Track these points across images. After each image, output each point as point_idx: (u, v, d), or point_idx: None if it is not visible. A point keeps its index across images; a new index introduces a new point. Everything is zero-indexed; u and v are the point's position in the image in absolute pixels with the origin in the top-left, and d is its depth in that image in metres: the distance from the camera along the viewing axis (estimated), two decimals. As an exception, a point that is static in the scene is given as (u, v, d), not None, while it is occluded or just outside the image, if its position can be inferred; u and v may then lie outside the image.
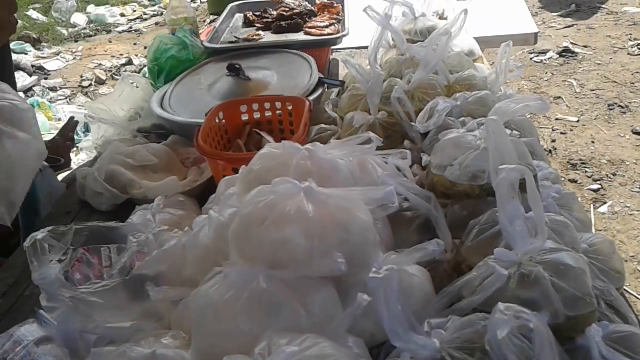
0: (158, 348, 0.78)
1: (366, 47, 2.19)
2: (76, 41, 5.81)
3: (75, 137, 3.69)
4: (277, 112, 1.46)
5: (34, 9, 6.40)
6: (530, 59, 4.35)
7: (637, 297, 2.37)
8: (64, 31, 5.98)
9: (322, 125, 1.49)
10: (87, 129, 3.66)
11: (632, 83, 3.91)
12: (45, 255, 0.92)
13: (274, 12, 2.06)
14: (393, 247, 1.02)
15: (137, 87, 1.68)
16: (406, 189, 1.02)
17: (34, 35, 5.69)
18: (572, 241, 0.92)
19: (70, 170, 1.58)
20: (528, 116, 1.61)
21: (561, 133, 3.49)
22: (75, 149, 3.61)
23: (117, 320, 0.95)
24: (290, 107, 1.45)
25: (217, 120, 1.41)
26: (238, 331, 0.75)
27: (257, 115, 1.47)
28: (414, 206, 1.07)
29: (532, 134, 1.34)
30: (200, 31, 2.22)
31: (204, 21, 5.67)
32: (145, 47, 5.47)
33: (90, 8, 6.44)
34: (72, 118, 1.82)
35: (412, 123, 1.27)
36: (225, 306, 0.77)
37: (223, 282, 0.79)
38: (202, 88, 1.66)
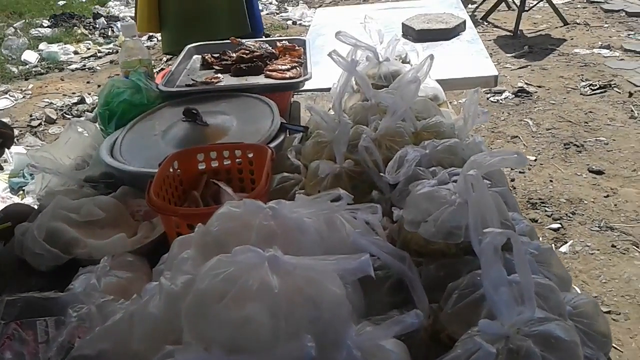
0: None
1: (328, 90, 2.16)
2: (27, 79, 5.61)
3: (22, 179, 3.53)
4: (237, 160, 1.38)
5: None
6: (487, 99, 4.41)
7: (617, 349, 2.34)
8: (14, 69, 5.77)
9: (285, 174, 1.41)
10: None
11: (586, 122, 4.00)
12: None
13: (234, 55, 1.99)
14: (364, 311, 0.94)
15: (85, 133, 1.57)
16: (379, 248, 0.94)
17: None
18: (557, 306, 0.85)
19: (7, 224, 1.44)
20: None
21: (520, 172, 3.51)
22: (21, 192, 3.43)
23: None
24: (250, 155, 1.37)
25: (171, 170, 1.31)
26: None
27: (215, 164, 1.38)
28: (386, 265, 0.99)
29: (503, 183, 1.30)
30: (156, 72, 2.14)
31: (161, 59, 5.58)
32: (99, 86, 5.32)
33: (43, 45, 6.25)
34: None
35: (381, 174, 1.20)
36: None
37: (173, 370, 0.69)
38: (156, 134, 1.56)
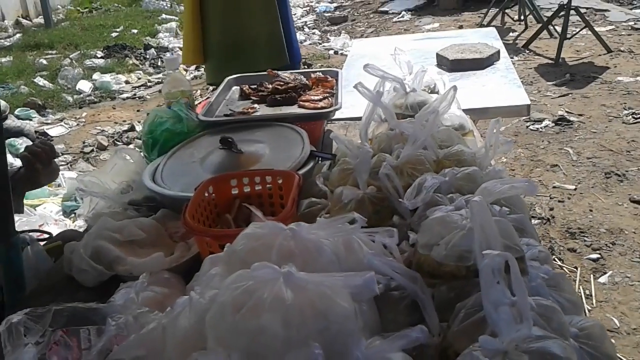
0: None
1: (360, 119, 2.24)
2: (80, 107, 5.92)
3: (74, 202, 3.72)
4: (267, 186, 1.47)
5: (41, 76, 6.56)
6: (527, 127, 4.40)
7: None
8: (69, 98, 6.10)
9: (313, 199, 1.49)
10: (85, 195, 3.67)
11: (628, 151, 3.94)
12: (20, 340, 0.90)
13: (270, 86, 2.10)
14: (379, 329, 0.99)
15: (130, 160, 1.70)
16: (392, 269, 1.00)
17: (40, 102, 5.81)
18: (560, 327, 0.89)
19: (57, 243, 1.57)
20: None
21: (559, 201, 3.49)
22: (73, 215, 3.62)
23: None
24: (280, 181, 1.45)
25: (206, 195, 1.41)
26: None
27: (247, 189, 1.47)
28: (401, 286, 1.05)
29: (522, 211, 1.34)
30: (197, 103, 2.27)
31: (207, 88, 5.80)
32: (148, 114, 5.57)
33: (96, 75, 6.60)
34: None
35: (400, 199, 1.27)
36: (199, 398, 0.74)
37: (197, 372, 0.77)
38: (195, 161, 1.68)
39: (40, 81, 6.40)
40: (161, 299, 1.15)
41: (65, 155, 4.73)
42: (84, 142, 5.00)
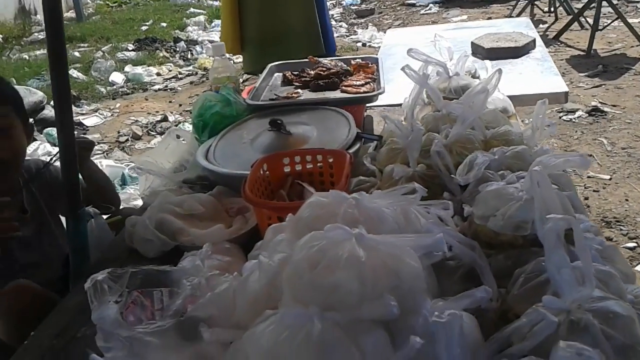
0: (214, 387, 0.80)
1: (399, 105, 2.28)
2: (114, 99, 6.05)
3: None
4: (318, 164, 1.52)
5: (75, 68, 6.70)
6: (560, 117, 4.38)
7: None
8: (103, 89, 6.23)
9: (361, 178, 1.53)
10: (124, 182, 3.77)
11: (664, 142, 3.91)
12: (105, 296, 0.96)
13: (312, 72, 2.15)
14: (438, 295, 1.03)
15: (183, 141, 1.76)
16: (451, 238, 1.04)
17: (75, 93, 5.94)
18: (618, 291, 0.92)
19: (118, 217, 1.64)
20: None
21: (594, 191, 3.48)
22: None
23: (170, 362, 0.97)
24: (331, 160, 1.50)
25: (261, 172, 1.46)
26: (294, 372, 0.77)
27: (298, 167, 1.53)
28: (458, 255, 1.09)
29: (570, 189, 1.36)
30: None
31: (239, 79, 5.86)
32: (180, 105, 5.67)
33: (128, 68, 6.72)
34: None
35: (452, 175, 1.31)
36: (281, 347, 0.79)
37: (278, 323, 0.82)
38: (245, 142, 1.73)
39: (74, 73, 6.54)
40: (225, 267, 1.20)
41: (101, 144, 4.85)
42: (118, 132, 5.11)
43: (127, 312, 1.05)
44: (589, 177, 3.61)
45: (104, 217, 1.58)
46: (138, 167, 1.62)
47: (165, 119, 5.27)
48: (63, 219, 1.70)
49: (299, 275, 0.85)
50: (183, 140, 1.78)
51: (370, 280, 0.81)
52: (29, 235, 1.57)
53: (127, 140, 4.94)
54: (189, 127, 4.67)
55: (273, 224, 1.26)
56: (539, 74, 2.72)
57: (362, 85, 2.02)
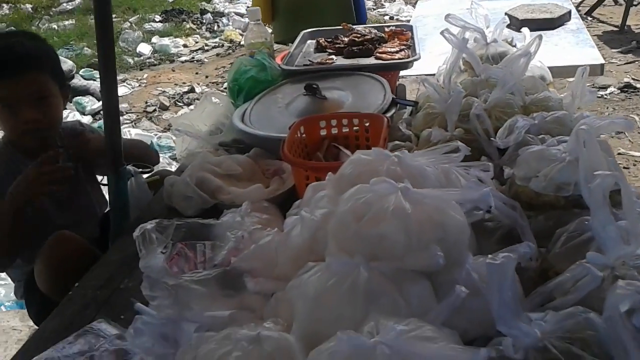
0: (262, 331, 0.83)
1: (431, 75, 2.26)
2: (141, 69, 6.08)
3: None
4: (354, 128, 1.52)
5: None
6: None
7: None
8: (130, 60, 6.27)
9: (397, 142, 1.54)
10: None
11: (699, 119, 3.82)
12: (153, 245, 0.99)
13: (346, 39, 2.14)
14: (478, 253, 1.04)
15: (220, 104, 1.78)
16: (493, 197, 1.04)
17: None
18: (663, 252, 0.92)
19: (156, 177, 1.67)
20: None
21: (624, 167, 3.43)
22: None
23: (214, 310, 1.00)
24: (367, 124, 1.51)
25: (298, 135, 1.48)
26: (340, 317, 0.79)
27: (334, 131, 1.53)
28: (497, 217, 1.10)
29: (611, 155, 1.35)
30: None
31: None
32: (206, 77, 5.69)
33: (155, 39, 6.74)
34: None
35: (492, 138, 1.30)
36: (328, 293, 0.81)
37: (325, 271, 0.84)
38: (280, 106, 1.75)
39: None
40: (264, 224, 1.22)
41: (129, 114, 4.90)
42: (146, 102, 5.15)
43: (171, 263, 1.08)
44: (619, 154, 3.56)
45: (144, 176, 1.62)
46: (176, 129, 1.64)
47: (192, 90, 5.30)
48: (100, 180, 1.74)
49: (345, 226, 0.86)
50: (220, 103, 1.80)
51: (416, 232, 0.82)
52: (64, 197, 1.61)
53: (154, 110, 4.98)
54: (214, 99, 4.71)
55: (311, 184, 1.27)
56: (574, 45, 2.67)
57: (397, 52, 2.01)
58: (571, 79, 2.08)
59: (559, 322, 0.72)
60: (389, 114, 1.63)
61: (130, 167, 1.54)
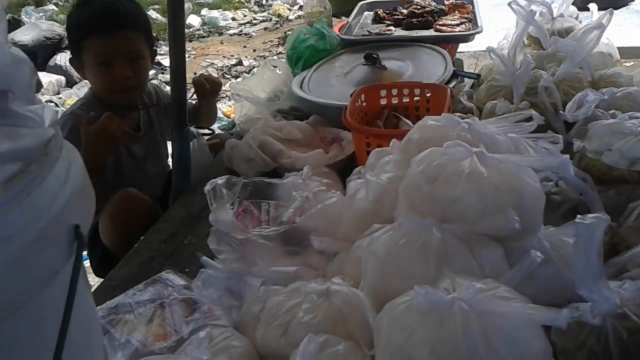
0: (331, 285, 0.84)
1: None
2: (190, 41, 6.14)
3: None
4: (415, 98, 1.51)
5: (154, 9, 6.83)
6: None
7: None
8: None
9: (459, 114, 1.51)
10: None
11: None
12: (224, 199, 1.02)
13: (405, 10, 2.12)
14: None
15: (278, 71, 1.79)
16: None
17: (153, 34, 6.08)
18: None
19: (216, 141, 1.70)
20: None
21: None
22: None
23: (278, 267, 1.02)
24: (428, 95, 1.49)
25: (359, 103, 1.47)
26: (411, 275, 0.79)
27: (395, 100, 1.53)
28: (564, 191, 1.08)
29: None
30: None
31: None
32: (254, 50, 5.71)
33: (205, 11, 6.80)
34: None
35: (560, 111, 1.28)
36: (399, 252, 0.81)
37: (396, 230, 0.84)
38: (339, 75, 1.75)
39: (153, 14, 6.66)
40: (325, 187, 1.23)
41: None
42: (194, 74, 5.17)
43: (238, 219, 1.10)
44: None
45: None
46: (237, 94, 1.66)
47: (240, 63, 5.34)
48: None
49: (417, 188, 0.86)
50: (279, 70, 1.81)
51: (492, 196, 0.81)
52: (138, 153, 1.65)
53: (202, 82, 5.04)
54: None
55: (374, 150, 1.27)
56: (638, 25, 2.58)
57: (458, 25, 1.98)
58: (636, 60, 2.02)
59: (638, 290, 0.70)
60: (450, 85, 1.61)
61: (192, 129, 1.57)
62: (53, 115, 0.49)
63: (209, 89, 1.70)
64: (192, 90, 1.74)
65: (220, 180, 1.03)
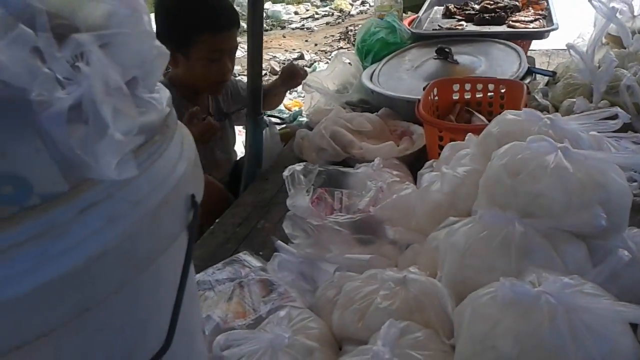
0: (408, 274, 0.85)
1: (562, 50, 2.17)
2: (253, 34, 6.25)
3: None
4: (489, 94, 1.49)
5: (218, 2, 6.98)
6: None
7: None
8: (243, 24, 6.44)
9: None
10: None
11: None
12: (301, 185, 1.04)
13: (477, 6, 2.09)
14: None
15: (349, 64, 1.80)
16: (647, 169, 1.00)
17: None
18: None
19: (287, 129, 1.73)
20: None
21: None
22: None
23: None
24: (503, 90, 1.47)
25: (431, 97, 1.47)
26: (492, 268, 0.79)
27: (467, 95, 1.51)
28: (646, 191, 1.05)
29: None
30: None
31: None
32: (315, 45, 5.75)
33: (268, 4, 6.88)
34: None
35: (643, 113, 1.24)
36: (479, 244, 0.81)
37: (476, 223, 0.84)
38: (409, 69, 1.74)
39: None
40: (396, 180, 1.24)
41: (240, 76, 5.06)
42: (257, 66, 5.29)
43: (312, 206, 1.12)
44: None
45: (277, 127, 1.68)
46: (307, 85, 1.69)
47: (301, 57, 5.38)
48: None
49: (499, 181, 0.86)
50: (349, 63, 1.83)
51: (577, 191, 0.80)
52: (213, 141, 1.70)
53: (265, 74, 5.11)
54: (324, 65, 4.78)
55: (443, 145, 1.27)
56: None
57: (532, 21, 1.94)
58: None
59: None
60: (525, 82, 1.58)
61: (266, 118, 1.61)
62: (167, 95, 0.52)
63: (303, 77, 1.73)
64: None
65: (298, 167, 1.05)
